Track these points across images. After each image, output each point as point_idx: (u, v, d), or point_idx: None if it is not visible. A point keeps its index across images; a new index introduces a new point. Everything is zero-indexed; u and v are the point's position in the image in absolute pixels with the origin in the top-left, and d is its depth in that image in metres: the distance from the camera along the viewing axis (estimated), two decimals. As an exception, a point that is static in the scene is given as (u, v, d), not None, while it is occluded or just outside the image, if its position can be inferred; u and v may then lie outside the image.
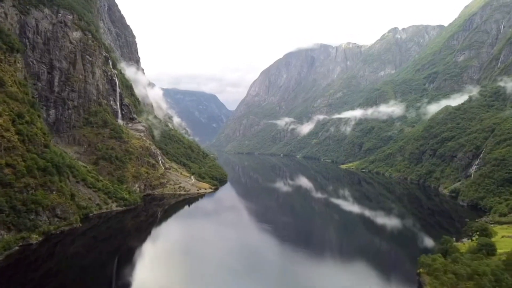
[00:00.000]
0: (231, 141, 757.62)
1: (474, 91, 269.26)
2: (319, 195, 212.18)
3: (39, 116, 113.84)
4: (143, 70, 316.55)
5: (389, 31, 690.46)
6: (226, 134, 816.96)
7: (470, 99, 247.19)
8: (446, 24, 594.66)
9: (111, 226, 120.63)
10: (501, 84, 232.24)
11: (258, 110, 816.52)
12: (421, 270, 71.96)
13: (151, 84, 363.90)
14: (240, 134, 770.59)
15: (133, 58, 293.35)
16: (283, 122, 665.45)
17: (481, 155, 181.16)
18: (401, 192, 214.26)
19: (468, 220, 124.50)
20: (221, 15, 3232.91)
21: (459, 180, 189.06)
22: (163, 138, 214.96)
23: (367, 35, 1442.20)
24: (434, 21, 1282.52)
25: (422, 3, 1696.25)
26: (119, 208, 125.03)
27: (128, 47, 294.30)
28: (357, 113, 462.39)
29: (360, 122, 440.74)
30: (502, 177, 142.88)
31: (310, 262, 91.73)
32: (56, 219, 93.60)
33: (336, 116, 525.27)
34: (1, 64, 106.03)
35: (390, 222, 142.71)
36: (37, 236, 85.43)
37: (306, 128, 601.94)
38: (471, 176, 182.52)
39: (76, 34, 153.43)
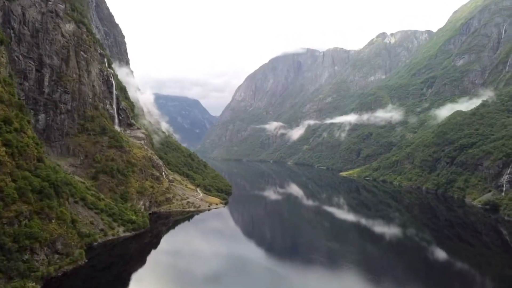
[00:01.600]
0: (217, 147, 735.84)
1: (485, 95, 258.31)
2: (330, 210, 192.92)
3: (28, 122, 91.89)
4: (132, 72, 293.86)
5: (377, 36, 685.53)
6: (211, 140, 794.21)
7: (485, 103, 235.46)
8: (434, 30, 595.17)
9: (113, 253, 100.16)
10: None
11: (244, 115, 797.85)
12: None
13: (140, 89, 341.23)
14: (227, 140, 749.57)
15: (123, 59, 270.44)
16: (272, 126, 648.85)
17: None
18: (435, 206, 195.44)
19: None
20: (206, 19, 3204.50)
21: (489, 191, 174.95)
22: (162, 146, 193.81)
23: (354, 40, 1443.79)
24: (422, 27, 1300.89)
25: (409, 9, 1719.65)
26: (127, 234, 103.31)
27: (117, 47, 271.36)
28: (351, 118, 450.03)
29: (355, 127, 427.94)
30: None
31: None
32: (56, 256, 71.94)
33: (329, 121, 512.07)
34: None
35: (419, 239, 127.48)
36: (34, 284, 63.65)
37: (296, 134, 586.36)
38: (502, 186, 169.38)
39: (69, 27, 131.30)
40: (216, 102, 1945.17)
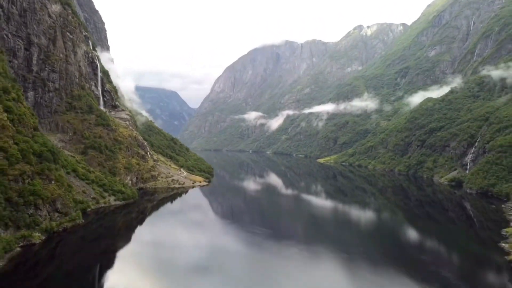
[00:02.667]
0: (197, 138, 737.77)
1: (455, 83, 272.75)
2: (308, 198, 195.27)
3: (22, 94, 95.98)
4: (112, 59, 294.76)
5: (354, 28, 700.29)
6: (190, 131, 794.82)
7: (453, 90, 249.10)
8: (409, 22, 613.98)
9: (102, 224, 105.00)
10: (484, 73, 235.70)
11: (223, 106, 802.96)
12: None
13: (119, 77, 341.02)
14: (206, 131, 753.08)
15: (104, 46, 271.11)
16: (251, 116, 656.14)
17: (477, 144, 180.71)
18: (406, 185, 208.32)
19: (494, 206, 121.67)
20: (185, 11, 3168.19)
21: (455, 169, 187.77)
22: (145, 129, 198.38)
23: (331, 32, 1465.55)
24: (398, 19, 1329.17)
25: (385, 2, 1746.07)
26: (117, 202, 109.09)
27: (97, 34, 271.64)
28: (329, 107, 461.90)
29: (332, 116, 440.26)
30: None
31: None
32: (56, 214, 77.49)
33: (307, 111, 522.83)
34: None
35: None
36: (39, 234, 69.50)
37: (275, 124, 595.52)
38: (467, 164, 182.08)
39: (55, 7, 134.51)
40: (195, 94, 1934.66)
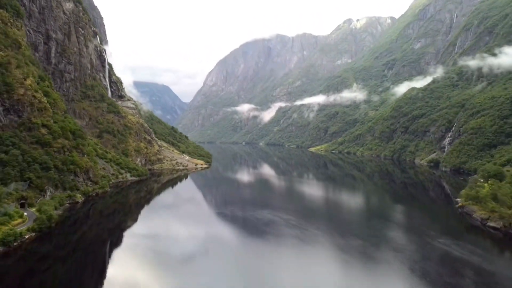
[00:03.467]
0: (190, 131, 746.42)
1: (437, 73, 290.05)
2: (300, 188, 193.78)
3: (52, 82, 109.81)
4: (111, 54, 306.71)
5: (344, 22, 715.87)
6: (184, 125, 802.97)
7: (435, 80, 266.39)
8: (397, 16, 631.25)
9: (117, 200, 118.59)
10: (462, 63, 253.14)
11: (216, 100, 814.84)
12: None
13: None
14: (199, 124, 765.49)
15: (103, 41, 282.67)
16: (243, 108, 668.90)
17: (454, 128, 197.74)
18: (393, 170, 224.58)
19: (462, 178, 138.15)
20: (178, 5, 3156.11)
21: (434, 152, 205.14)
22: (147, 119, 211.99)
23: (321, 26, 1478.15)
24: (386, 13, 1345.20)
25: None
26: (133, 178, 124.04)
27: (96, 29, 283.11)
28: (319, 99, 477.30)
29: (323, 108, 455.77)
30: (481, 143, 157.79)
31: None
32: (89, 182, 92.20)
33: (298, 102, 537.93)
34: (12, 28, 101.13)
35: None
36: (81, 195, 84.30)
37: (267, 116, 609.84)
38: (445, 147, 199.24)
39: (68, 5, 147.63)
40: (187, 89, 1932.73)
